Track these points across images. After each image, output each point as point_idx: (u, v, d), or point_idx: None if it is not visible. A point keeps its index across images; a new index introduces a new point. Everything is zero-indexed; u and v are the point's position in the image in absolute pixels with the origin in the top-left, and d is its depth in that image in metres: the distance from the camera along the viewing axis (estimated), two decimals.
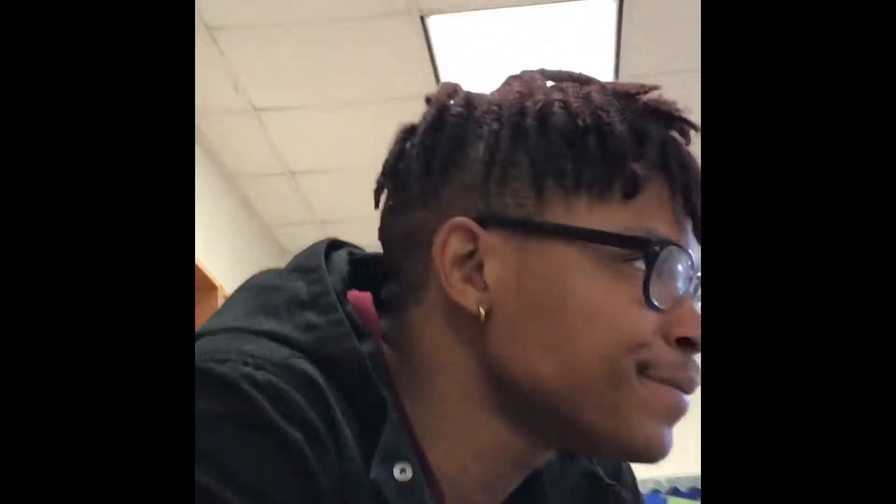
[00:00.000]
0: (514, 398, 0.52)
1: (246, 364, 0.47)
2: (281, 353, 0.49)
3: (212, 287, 2.72)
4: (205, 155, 3.27)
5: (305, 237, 0.91)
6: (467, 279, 0.52)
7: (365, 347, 0.51)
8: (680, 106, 0.55)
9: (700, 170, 0.53)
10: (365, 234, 0.66)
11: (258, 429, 0.46)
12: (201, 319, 0.54)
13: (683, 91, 0.56)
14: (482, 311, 0.51)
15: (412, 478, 0.49)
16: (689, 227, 0.53)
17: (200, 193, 1.94)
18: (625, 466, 0.62)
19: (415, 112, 0.57)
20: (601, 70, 3.16)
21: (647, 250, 0.50)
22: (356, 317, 0.52)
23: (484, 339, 0.52)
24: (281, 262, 0.57)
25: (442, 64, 3.04)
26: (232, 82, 3.01)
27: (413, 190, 0.54)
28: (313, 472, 0.47)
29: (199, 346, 0.49)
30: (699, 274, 0.53)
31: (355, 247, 0.60)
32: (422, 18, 2.87)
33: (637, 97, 0.54)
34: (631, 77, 2.97)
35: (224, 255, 3.16)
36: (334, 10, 2.80)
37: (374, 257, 0.59)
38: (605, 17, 2.90)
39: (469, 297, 0.52)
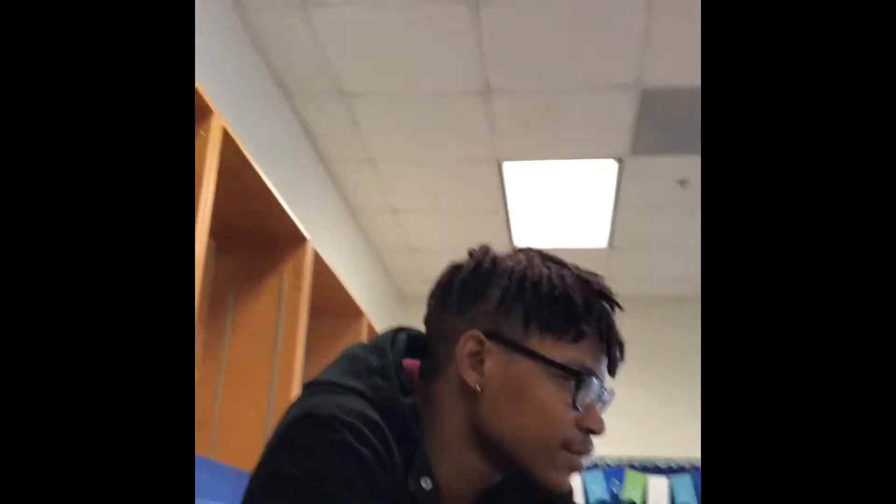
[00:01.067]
0: (486, 444, 0.80)
1: (338, 411, 0.74)
2: (360, 404, 0.76)
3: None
4: None
5: None
6: (473, 367, 0.80)
7: (407, 402, 0.79)
8: (614, 290, 0.84)
9: (619, 332, 0.82)
10: None
11: (342, 447, 0.72)
12: None
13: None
14: (479, 388, 0.80)
15: (432, 487, 0.77)
16: (605, 365, 0.82)
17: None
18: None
19: None
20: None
21: (578, 377, 0.79)
22: (406, 380, 0.81)
23: (476, 405, 0.80)
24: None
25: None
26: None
27: (452, 306, 0.83)
28: (376, 476, 0.73)
29: (312, 398, 0.78)
30: (606, 390, 0.82)
31: (415, 330, 0.89)
32: (498, 163, 3.34)
33: (591, 281, 0.83)
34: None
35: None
36: (432, 154, 3.29)
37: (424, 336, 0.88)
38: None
39: (472, 378, 0.80)
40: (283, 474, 0.71)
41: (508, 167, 3.37)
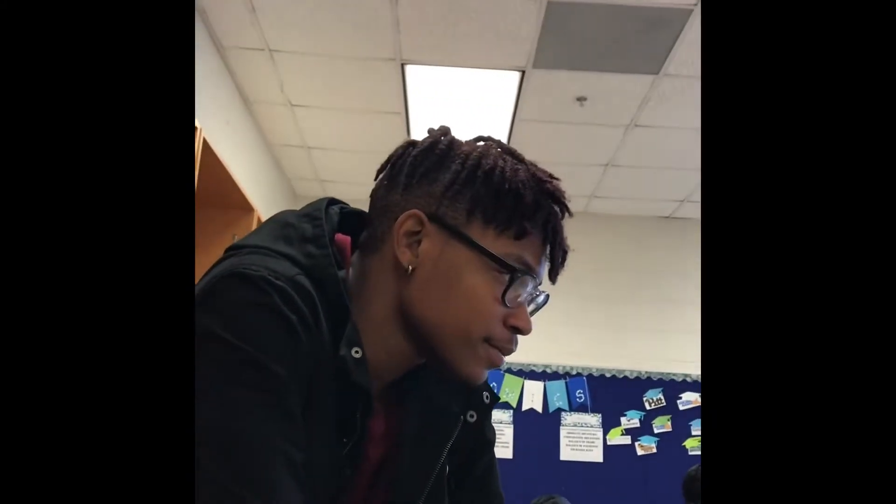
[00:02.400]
0: (411, 325, 0.79)
1: (269, 274, 0.71)
2: (291, 270, 0.74)
3: None
4: None
5: None
6: (409, 247, 0.78)
7: (340, 274, 0.76)
8: (567, 193, 0.81)
9: (565, 237, 0.82)
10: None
11: (270, 310, 0.70)
12: None
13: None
14: (411, 268, 0.78)
15: (361, 356, 0.75)
16: (545, 266, 0.81)
17: None
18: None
19: None
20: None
21: (513, 273, 0.77)
22: (338, 253, 0.79)
23: (406, 286, 0.79)
24: None
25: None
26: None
27: (399, 183, 0.80)
28: (300, 340, 0.71)
29: (240, 258, 0.74)
30: (541, 293, 0.82)
31: (346, 204, 0.87)
32: (402, 66, 3.27)
33: (545, 181, 0.80)
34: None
35: None
36: (334, 50, 3.17)
37: (358, 212, 0.87)
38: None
39: (406, 257, 0.78)
40: (207, 333, 0.68)
41: (411, 70, 3.32)
